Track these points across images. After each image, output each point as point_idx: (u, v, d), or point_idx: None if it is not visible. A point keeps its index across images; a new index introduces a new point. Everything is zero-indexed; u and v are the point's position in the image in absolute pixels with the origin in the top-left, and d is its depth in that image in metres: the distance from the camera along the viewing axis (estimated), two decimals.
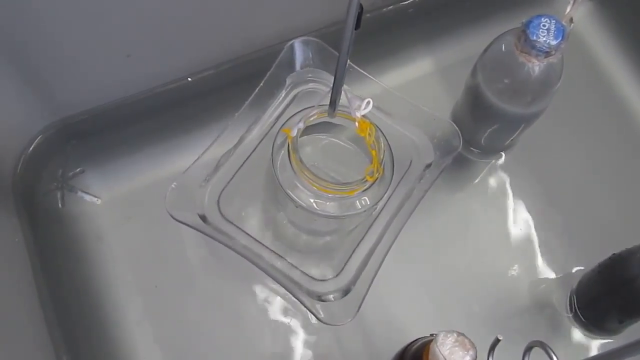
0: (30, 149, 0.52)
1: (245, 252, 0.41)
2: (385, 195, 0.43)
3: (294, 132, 0.40)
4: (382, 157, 0.41)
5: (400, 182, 0.46)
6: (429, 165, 0.46)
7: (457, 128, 0.46)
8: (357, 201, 0.42)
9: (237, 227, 0.43)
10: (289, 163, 0.40)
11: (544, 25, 0.40)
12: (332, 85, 0.37)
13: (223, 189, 0.45)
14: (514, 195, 0.54)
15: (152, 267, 0.49)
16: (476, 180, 0.54)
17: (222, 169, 0.45)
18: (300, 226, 0.47)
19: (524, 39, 0.40)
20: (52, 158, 0.52)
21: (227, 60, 0.55)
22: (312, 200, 0.42)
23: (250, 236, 0.43)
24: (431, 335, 0.36)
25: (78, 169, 0.52)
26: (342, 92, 0.38)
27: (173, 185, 0.42)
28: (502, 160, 0.55)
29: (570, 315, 0.49)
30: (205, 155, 0.44)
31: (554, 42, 0.40)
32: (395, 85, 0.52)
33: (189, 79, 0.54)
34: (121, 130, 0.54)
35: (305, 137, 0.43)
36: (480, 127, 0.50)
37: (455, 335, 0.32)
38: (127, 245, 0.50)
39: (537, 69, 0.41)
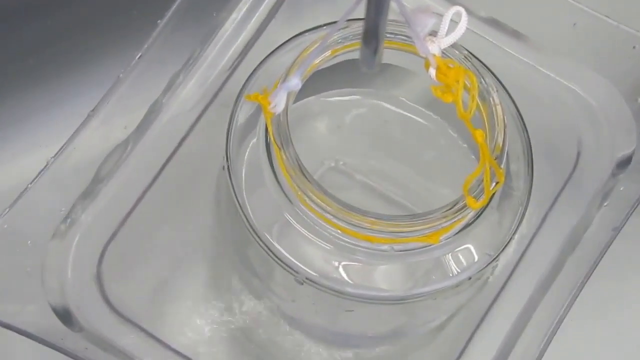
0: None
1: None
2: (516, 236, 0.32)
3: (280, 102, 0.30)
4: (502, 144, 0.31)
5: (555, 204, 0.35)
6: (625, 163, 0.36)
7: None
8: (449, 257, 0.32)
9: (150, 334, 0.33)
10: (270, 171, 0.30)
11: None
12: None
13: (111, 239, 0.34)
14: None
15: None
16: None
17: (108, 188, 0.35)
18: (308, 326, 0.36)
19: None
20: None
21: None
22: (336, 264, 0.31)
23: (183, 356, 0.33)
24: None
25: None
26: None
27: None
28: None
29: None
30: (68, 151, 0.34)
31: None
32: None
33: None
34: None
35: (312, 98, 0.35)
36: None
37: None
38: None
39: None
